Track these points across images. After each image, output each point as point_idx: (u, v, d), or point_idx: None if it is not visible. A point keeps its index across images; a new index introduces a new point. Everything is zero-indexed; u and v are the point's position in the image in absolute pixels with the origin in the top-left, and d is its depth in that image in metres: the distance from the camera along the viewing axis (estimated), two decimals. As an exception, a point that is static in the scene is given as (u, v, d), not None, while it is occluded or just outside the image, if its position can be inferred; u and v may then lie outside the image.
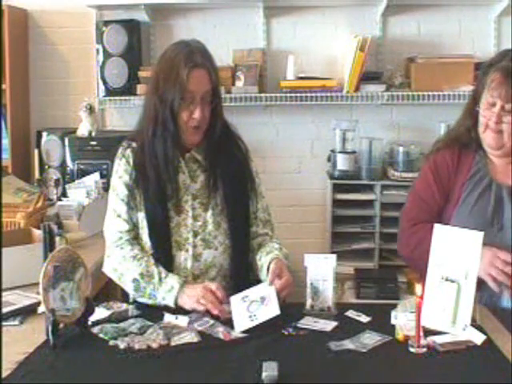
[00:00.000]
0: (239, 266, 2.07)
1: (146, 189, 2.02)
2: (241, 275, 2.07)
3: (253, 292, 1.84)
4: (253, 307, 1.79)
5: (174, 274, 1.97)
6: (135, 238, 2.05)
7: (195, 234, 2.03)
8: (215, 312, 1.82)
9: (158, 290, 1.93)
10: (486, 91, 2.02)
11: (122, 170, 2.08)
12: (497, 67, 2.01)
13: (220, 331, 1.72)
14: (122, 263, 2.01)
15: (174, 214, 2.03)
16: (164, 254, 2.01)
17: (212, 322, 1.79)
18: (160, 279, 1.94)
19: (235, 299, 1.83)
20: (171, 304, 1.91)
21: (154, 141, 2.02)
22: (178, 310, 1.88)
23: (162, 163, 2.01)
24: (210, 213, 2.05)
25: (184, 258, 2.02)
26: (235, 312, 1.79)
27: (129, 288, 2.02)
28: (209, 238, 2.04)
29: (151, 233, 2.02)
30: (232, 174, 2.07)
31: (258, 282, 2.01)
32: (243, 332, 1.73)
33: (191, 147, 2.07)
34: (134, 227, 2.06)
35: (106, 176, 3.19)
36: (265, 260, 2.00)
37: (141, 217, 2.04)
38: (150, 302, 1.98)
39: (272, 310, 1.78)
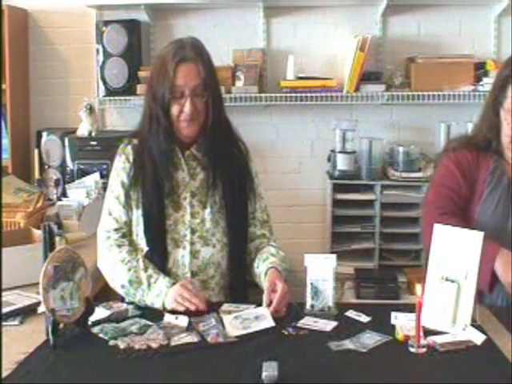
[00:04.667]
0: (237, 265, 2.06)
1: (143, 185, 2.03)
2: (238, 274, 2.07)
3: (246, 313, 1.82)
4: (246, 322, 1.77)
5: (164, 277, 1.95)
6: (125, 237, 2.05)
7: (193, 231, 2.03)
8: (192, 308, 1.82)
9: (146, 296, 1.93)
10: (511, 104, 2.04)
11: (120, 167, 2.08)
12: None
13: (212, 333, 1.70)
14: (111, 268, 2.01)
15: (172, 210, 2.03)
16: (160, 251, 2.01)
17: (214, 323, 1.76)
18: (149, 284, 1.93)
19: (227, 319, 1.79)
20: (160, 308, 1.90)
21: (149, 138, 2.03)
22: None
23: (157, 158, 2.02)
24: (208, 210, 2.05)
25: (181, 255, 2.02)
26: (228, 326, 1.75)
27: (120, 292, 2.02)
28: (206, 236, 2.04)
29: (147, 229, 2.02)
30: (231, 174, 2.07)
31: (256, 284, 2.04)
32: (237, 337, 1.70)
33: (188, 140, 2.06)
34: (125, 225, 2.05)
35: (106, 176, 3.19)
36: (262, 268, 2.00)
37: (138, 214, 2.04)
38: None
39: (266, 322, 1.77)
